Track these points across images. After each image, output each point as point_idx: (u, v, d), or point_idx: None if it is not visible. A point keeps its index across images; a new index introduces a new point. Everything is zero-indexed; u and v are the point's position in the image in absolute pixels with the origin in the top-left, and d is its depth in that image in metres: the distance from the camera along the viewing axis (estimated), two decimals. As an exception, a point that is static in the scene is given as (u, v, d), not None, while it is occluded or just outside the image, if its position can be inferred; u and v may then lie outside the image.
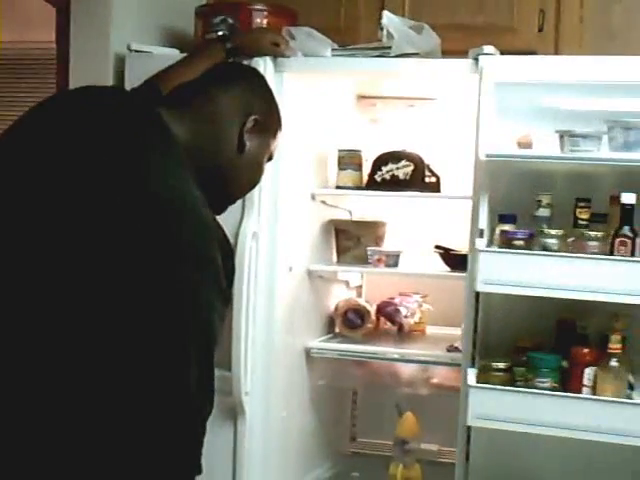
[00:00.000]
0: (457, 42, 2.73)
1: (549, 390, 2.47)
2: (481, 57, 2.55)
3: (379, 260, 3.00)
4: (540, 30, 2.92)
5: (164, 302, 1.40)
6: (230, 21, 2.86)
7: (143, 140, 1.52)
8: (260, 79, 1.80)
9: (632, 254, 2.38)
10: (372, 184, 3.04)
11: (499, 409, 2.45)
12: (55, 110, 1.59)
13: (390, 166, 3.01)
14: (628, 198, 2.39)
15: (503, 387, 2.48)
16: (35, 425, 1.39)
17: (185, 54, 2.52)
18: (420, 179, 3.00)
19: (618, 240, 2.38)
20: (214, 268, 1.46)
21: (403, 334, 3.18)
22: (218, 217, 1.59)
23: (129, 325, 1.39)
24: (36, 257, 1.42)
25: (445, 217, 3.13)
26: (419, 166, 3.00)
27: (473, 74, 2.56)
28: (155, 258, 1.41)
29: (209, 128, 1.64)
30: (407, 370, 3.04)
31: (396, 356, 3.02)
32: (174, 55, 2.61)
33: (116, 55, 2.92)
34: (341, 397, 3.38)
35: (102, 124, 1.52)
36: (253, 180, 1.77)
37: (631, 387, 2.47)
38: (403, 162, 3.01)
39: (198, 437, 1.48)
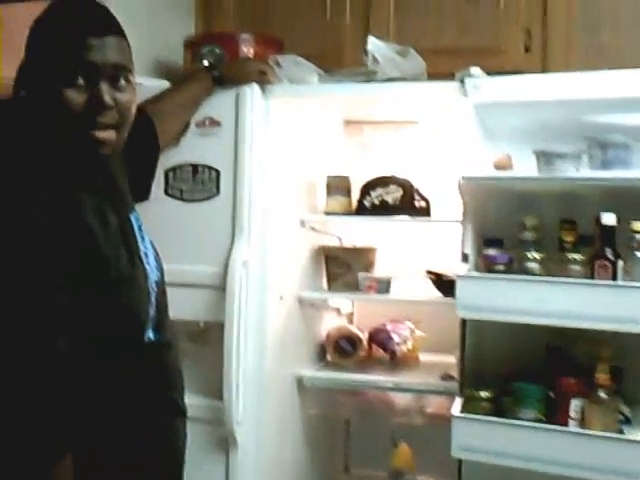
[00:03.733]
0: (443, 65, 2.72)
1: (534, 422, 2.37)
2: (467, 79, 2.54)
3: (370, 286, 2.97)
4: (527, 50, 2.92)
5: None
6: (217, 51, 2.88)
7: None
8: None
9: (613, 278, 2.28)
10: (361, 210, 3.02)
11: (483, 441, 2.38)
12: None
13: (379, 191, 2.99)
14: (608, 219, 2.30)
15: (486, 418, 2.40)
16: None
17: (174, 85, 2.54)
18: (410, 204, 2.98)
19: (598, 263, 2.29)
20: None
21: (396, 362, 3.14)
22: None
23: None
24: None
25: (436, 242, 3.11)
26: (408, 191, 2.98)
27: (460, 96, 2.55)
28: None
29: None
30: (401, 399, 2.99)
31: (389, 385, 2.97)
32: (163, 86, 2.62)
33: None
34: (334, 427, 3.34)
35: None
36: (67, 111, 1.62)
37: (627, 420, 2.37)
38: (392, 187, 2.99)
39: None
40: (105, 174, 1.76)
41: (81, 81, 1.60)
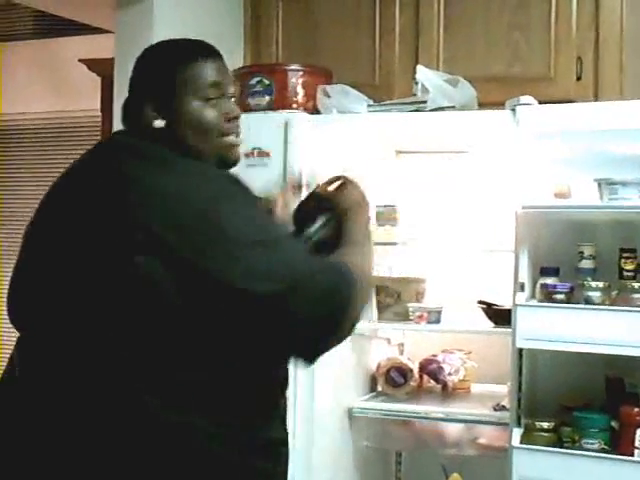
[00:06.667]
0: (493, 93, 2.71)
1: (598, 452, 2.34)
2: (518, 107, 2.51)
3: (420, 317, 2.94)
4: (578, 78, 2.88)
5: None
6: (266, 82, 2.88)
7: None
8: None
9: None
10: (411, 239, 3.00)
11: (545, 471, 2.35)
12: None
13: (429, 220, 2.97)
14: None
15: (548, 448, 2.37)
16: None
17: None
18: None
19: None
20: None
21: (447, 392, 3.11)
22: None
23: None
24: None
25: (487, 271, 3.07)
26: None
27: (511, 125, 2.52)
28: None
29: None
30: (452, 430, 2.96)
31: (441, 415, 2.94)
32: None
33: (157, 121, 2.94)
34: (385, 458, 3.30)
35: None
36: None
37: None
38: (442, 216, 2.97)
39: None
40: None
41: (213, 100, 1.73)
